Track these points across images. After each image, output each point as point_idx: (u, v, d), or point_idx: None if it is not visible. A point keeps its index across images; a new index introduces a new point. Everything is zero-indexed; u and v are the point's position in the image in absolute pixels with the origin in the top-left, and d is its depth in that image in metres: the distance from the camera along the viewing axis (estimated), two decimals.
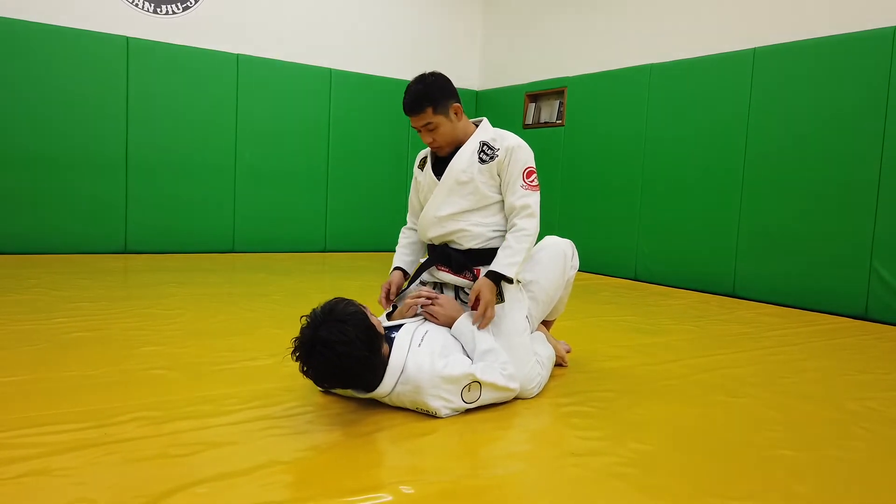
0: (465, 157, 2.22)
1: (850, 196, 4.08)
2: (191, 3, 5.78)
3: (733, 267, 4.74)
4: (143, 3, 5.58)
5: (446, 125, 2.19)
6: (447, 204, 2.23)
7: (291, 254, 6.21)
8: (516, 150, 2.21)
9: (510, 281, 2.14)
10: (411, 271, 2.42)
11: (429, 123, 2.17)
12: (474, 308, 2.13)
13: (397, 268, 2.41)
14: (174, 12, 5.72)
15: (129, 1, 5.51)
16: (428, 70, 2.27)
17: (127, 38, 5.44)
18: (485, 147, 2.22)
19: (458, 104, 2.23)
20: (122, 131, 5.48)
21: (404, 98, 2.19)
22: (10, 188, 5.09)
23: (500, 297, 2.18)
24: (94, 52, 5.30)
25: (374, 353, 1.79)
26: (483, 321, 2.10)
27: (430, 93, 2.17)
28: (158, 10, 5.65)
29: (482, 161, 2.20)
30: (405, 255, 2.46)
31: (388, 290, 2.33)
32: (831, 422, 2.04)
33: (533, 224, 2.19)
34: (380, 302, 2.32)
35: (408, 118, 2.22)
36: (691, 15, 5.26)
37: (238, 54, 5.93)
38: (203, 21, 5.85)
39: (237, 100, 5.96)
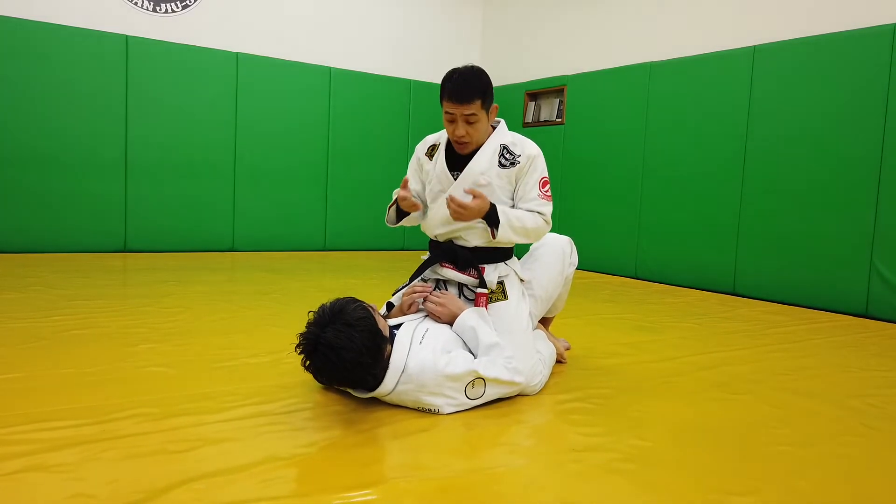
0: (485, 160, 2.16)
1: (850, 193, 4.08)
2: (190, 2, 5.77)
3: (733, 265, 4.74)
4: (143, 2, 5.57)
5: (484, 122, 2.12)
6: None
7: (291, 252, 6.21)
8: (537, 160, 2.20)
9: (496, 225, 2.10)
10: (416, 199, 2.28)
11: (472, 115, 2.07)
12: (476, 302, 2.13)
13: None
14: (174, 11, 5.71)
15: None
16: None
17: (126, 36, 5.43)
18: (505, 151, 2.17)
19: (496, 105, 2.19)
20: (122, 129, 5.48)
21: (451, 83, 2.06)
22: (9, 187, 5.09)
23: (503, 295, 2.18)
24: (93, 51, 5.30)
25: (377, 360, 1.79)
26: (451, 203, 2.03)
27: (483, 86, 2.08)
28: (158, 8, 5.65)
29: (502, 165, 2.16)
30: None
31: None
32: (832, 418, 2.04)
33: (542, 226, 2.20)
34: (401, 193, 2.16)
35: (441, 105, 2.10)
36: (691, 13, 5.25)
37: (238, 53, 5.93)
38: (202, 19, 5.84)
39: (237, 98, 5.95)
